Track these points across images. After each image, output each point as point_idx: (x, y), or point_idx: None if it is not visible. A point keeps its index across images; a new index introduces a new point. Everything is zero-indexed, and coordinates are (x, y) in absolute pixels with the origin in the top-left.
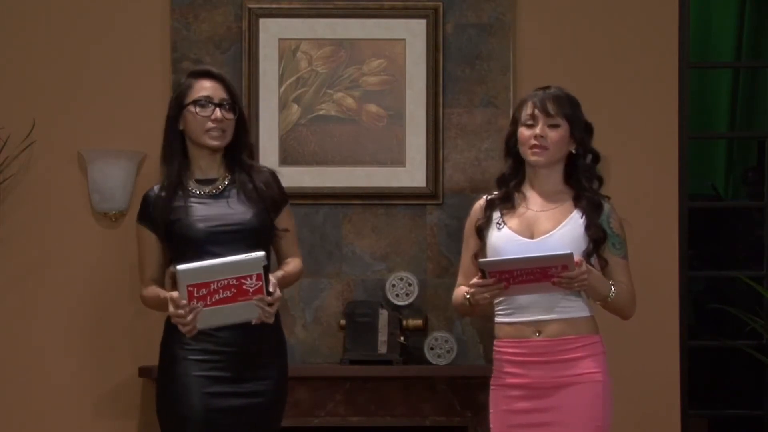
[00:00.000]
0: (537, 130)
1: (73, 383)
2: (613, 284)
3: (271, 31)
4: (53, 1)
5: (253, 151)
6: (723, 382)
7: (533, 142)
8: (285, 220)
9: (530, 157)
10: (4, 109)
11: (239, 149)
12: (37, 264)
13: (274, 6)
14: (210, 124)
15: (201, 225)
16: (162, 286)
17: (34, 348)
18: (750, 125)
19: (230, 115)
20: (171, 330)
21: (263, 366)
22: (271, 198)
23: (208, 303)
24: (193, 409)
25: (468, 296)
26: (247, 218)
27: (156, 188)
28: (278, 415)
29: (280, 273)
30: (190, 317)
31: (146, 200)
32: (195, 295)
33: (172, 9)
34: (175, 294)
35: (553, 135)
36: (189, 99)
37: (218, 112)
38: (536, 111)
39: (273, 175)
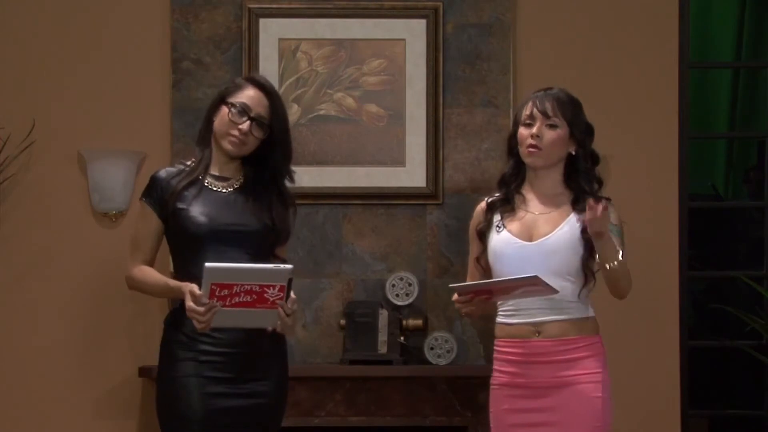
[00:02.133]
0: (534, 130)
1: (73, 383)
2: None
3: (271, 31)
4: (53, 2)
5: (291, 176)
6: (723, 382)
7: (529, 141)
8: (283, 249)
9: (526, 157)
10: (4, 109)
11: (265, 165)
12: (37, 264)
13: (274, 6)
14: (233, 131)
15: (203, 219)
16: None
17: (34, 348)
18: (750, 125)
19: (258, 133)
20: (171, 330)
21: (263, 367)
22: (282, 228)
23: (227, 304)
24: (192, 410)
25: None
26: (249, 221)
27: (168, 170)
28: (278, 416)
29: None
30: (207, 316)
31: (155, 180)
32: (216, 294)
33: (172, 9)
34: (195, 288)
35: (549, 135)
36: (230, 98)
37: (246, 125)
38: (535, 111)
39: (293, 212)
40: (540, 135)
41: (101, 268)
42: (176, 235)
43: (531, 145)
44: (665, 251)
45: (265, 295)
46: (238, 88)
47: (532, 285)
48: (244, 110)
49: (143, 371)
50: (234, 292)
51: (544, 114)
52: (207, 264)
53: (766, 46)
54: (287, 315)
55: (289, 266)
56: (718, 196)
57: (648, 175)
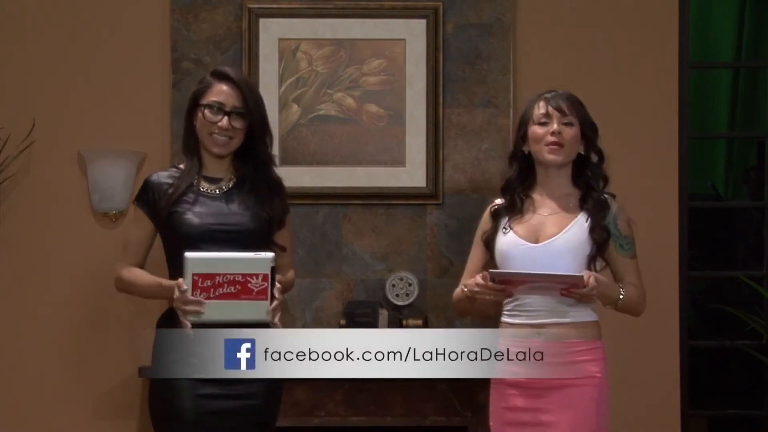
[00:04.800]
0: (554, 127)
1: (72, 383)
2: (621, 287)
3: (271, 31)
4: (53, 2)
5: (271, 160)
6: (723, 382)
7: (550, 139)
8: (284, 236)
9: (547, 155)
10: (4, 109)
11: (252, 155)
12: (37, 264)
13: (274, 6)
14: (214, 130)
15: (196, 221)
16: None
17: (34, 347)
18: (750, 125)
19: (239, 124)
20: (163, 331)
21: None
22: (274, 214)
23: (211, 296)
24: (183, 411)
25: (466, 290)
26: (243, 221)
27: (161, 174)
28: (271, 418)
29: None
30: (191, 307)
31: (148, 184)
32: (199, 285)
33: (172, 9)
34: (183, 281)
35: (568, 132)
36: (203, 100)
37: (225, 121)
38: (550, 109)
39: (282, 190)
40: (561, 131)
41: (101, 268)
42: (171, 239)
43: (553, 142)
44: (665, 251)
45: (249, 285)
46: (207, 87)
47: (573, 285)
48: (218, 108)
49: (143, 371)
50: (217, 282)
51: (561, 111)
52: (187, 254)
53: (766, 46)
54: (273, 307)
55: (270, 254)
56: (718, 196)
57: (648, 175)
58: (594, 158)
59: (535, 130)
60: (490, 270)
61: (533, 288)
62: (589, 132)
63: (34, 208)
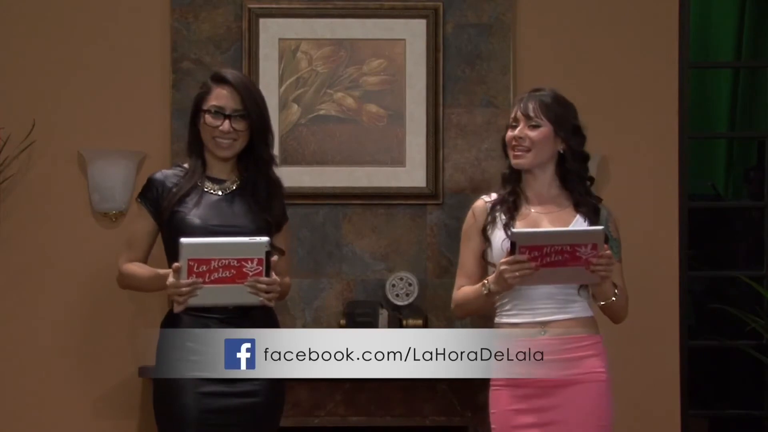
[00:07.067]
0: (515, 132)
1: (73, 383)
2: (616, 286)
3: (271, 31)
4: (53, 1)
5: (272, 160)
6: (723, 382)
7: (513, 144)
8: (280, 241)
9: (512, 160)
10: (4, 109)
11: (254, 156)
12: (37, 264)
13: (274, 6)
14: (216, 134)
15: (197, 222)
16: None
17: (34, 348)
18: (750, 125)
19: (240, 126)
20: (166, 331)
21: None
22: (274, 215)
23: (207, 281)
24: (187, 410)
25: (487, 283)
26: (245, 223)
27: (164, 173)
28: (275, 416)
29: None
30: (185, 289)
31: (152, 182)
32: (195, 270)
33: (172, 9)
34: (178, 265)
35: (533, 135)
36: (204, 105)
37: (227, 125)
38: (518, 113)
39: (280, 192)
40: (522, 136)
41: (101, 268)
42: (172, 239)
43: (515, 146)
44: (665, 251)
45: (244, 269)
46: (207, 91)
47: (593, 246)
48: (218, 112)
49: (143, 371)
50: (212, 267)
51: (526, 115)
52: (182, 240)
53: (766, 46)
54: (267, 292)
55: (265, 239)
56: (718, 196)
57: (648, 175)
58: (575, 158)
59: (507, 133)
60: (512, 230)
61: (552, 272)
62: (564, 132)
63: (34, 208)
